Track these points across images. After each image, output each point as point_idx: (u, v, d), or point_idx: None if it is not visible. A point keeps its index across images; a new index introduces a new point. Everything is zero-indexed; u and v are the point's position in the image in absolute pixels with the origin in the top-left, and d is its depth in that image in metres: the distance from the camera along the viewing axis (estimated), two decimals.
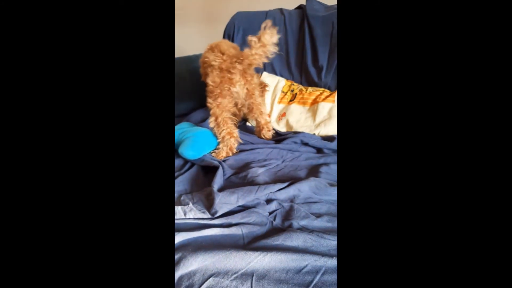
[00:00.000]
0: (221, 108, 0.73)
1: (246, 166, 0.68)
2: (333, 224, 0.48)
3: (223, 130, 0.73)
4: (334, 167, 0.65)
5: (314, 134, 0.90)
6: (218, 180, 0.58)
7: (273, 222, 0.49)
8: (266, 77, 1.10)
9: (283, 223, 0.49)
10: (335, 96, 0.94)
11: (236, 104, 0.81)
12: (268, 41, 0.67)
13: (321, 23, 1.04)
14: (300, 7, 1.16)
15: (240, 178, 0.62)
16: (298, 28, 1.10)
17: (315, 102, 0.95)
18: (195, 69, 1.17)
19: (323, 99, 0.94)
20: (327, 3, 1.15)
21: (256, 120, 0.85)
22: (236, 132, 0.76)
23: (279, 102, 1.02)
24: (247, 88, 0.77)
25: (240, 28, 1.18)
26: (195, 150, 0.71)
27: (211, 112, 0.75)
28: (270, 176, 0.63)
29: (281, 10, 1.18)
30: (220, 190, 0.56)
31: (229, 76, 0.72)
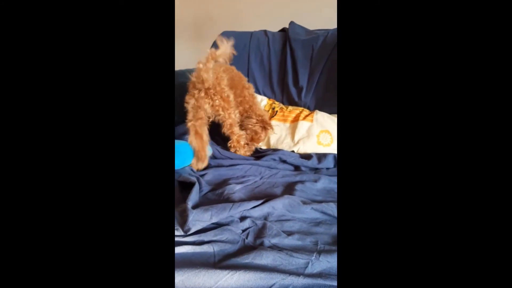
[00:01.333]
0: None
1: (224, 182, 0.69)
2: (303, 242, 0.49)
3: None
4: (309, 185, 0.67)
5: (293, 151, 0.93)
6: (193, 197, 0.58)
7: (245, 240, 0.50)
8: None
9: (255, 241, 0.50)
10: (313, 116, 0.97)
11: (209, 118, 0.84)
12: (218, 53, 0.73)
13: (302, 46, 1.10)
14: (283, 30, 1.23)
15: (216, 195, 0.63)
16: (280, 49, 1.16)
17: (295, 120, 0.99)
18: (179, 84, 1.19)
19: (303, 118, 0.98)
20: (308, 27, 1.22)
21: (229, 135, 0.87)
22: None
23: None
24: (212, 105, 0.80)
25: None
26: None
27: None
28: (247, 193, 0.64)
29: (265, 31, 1.23)
30: (195, 207, 0.56)
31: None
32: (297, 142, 0.93)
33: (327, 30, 1.11)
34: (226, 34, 1.28)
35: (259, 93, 1.18)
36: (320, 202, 0.60)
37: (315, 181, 0.69)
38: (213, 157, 0.83)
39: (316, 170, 0.80)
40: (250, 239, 0.50)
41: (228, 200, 0.59)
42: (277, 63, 1.15)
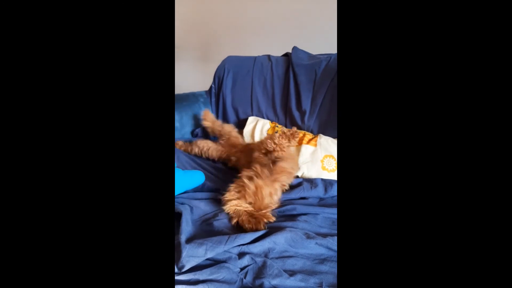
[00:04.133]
0: None
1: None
2: (306, 283, 0.45)
3: None
4: (313, 216, 0.63)
5: (297, 176, 0.89)
6: (184, 229, 0.54)
7: (244, 279, 0.46)
8: (252, 121, 1.12)
9: (254, 282, 0.46)
10: (317, 140, 0.95)
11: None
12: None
13: (305, 70, 1.10)
14: (286, 55, 1.24)
15: (208, 224, 0.59)
16: (283, 74, 1.16)
17: (299, 143, 0.97)
18: (181, 107, 1.19)
19: (307, 142, 0.96)
20: (311, 51, 1.23)
21: None
22: None
23: None
24: None
25: (230, 71, 1.24)
26: None
27: None
28: None
29: (268, 56, 1.25)
30: (190, 239, 0.52)
31: None
32: (301, 167, 0.90)
33: (329, 55, 1.12)
34: (230, 59, 1.31)
35: (263, 117, 1.17)
36: (325, 235, 0.56)
37: (320, 212, 0.65)
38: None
39: (321, 199, 0.76)
40: (248, 279, 0.46)
41: (221, 232, 0.56)
42: (280, 87, 1.15)
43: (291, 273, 0.47)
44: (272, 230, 0.56)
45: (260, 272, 0.47)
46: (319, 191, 0.75)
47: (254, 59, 1.25)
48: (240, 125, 1.16)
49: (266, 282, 0.45)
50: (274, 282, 0.45)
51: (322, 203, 0.73)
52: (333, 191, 0.76)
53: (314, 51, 1.23)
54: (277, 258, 0.50)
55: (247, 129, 1.11)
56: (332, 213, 0.66)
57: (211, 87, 1.27)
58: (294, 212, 0.65)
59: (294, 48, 1.22)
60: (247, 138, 1.09)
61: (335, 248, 0.53)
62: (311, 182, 0.80)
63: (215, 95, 1.24)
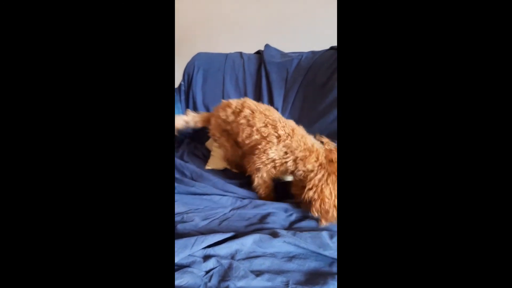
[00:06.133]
0: None
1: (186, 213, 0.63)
2: (272, 283, 0.44)
3: None
4: (282, 215, 0.63)
5: None
6: None
7: (208, 283, 0.44)
8: None
9: (219, 285, 0.44)
10: None
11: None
12: None
13: (277, 68, 1.10)
14: (258, 52, 1.23)
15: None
16: (256, 71, 1.15)
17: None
18: None
19: None
20: (283, 50, 1.24)
21: None
22: None
23: None
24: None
25: (200, 68, 1.20)
26: None
27: None
28: (213, 227, 0.58)
29: (240, 54, 1.23)
30: None
31: None
32: None
33: (301, 53, 1.13)
34: (201, 56, 1.27)
35: None
36: (295, 229, 0.56)
37: (288, 210, 0.65)
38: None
39: None
40: (213, 282, 0.45)
41: (189, 234, 0.53)
42: (252, 85, 1.14)
43: (258, 273, 0.46)
44: (240, 234, 0.55)
45: (225, 274, 0.45)
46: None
47: (226, 56, 1.22)
48: None
49: (231, 284, 0.43)
50: (240, 283, 0.44)
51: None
52: None
53: (286, 50, 1.24)
54: (244, 259, 0.49)
55: None
56: (300, 210, 0.66)
57: (180, 84, 1.23)
58: (262, 212, 0.64)
59: (266, 46, 1.21)
60: None
61: (303, 245, 0.52)
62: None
63: (185, 92, 1.20)
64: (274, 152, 0.67)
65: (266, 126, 0.70)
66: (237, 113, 0.77)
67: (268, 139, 0.68)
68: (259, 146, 0.69)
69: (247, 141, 0.73)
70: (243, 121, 0.74)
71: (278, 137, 0.67)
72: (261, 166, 0.69)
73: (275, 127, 0.69)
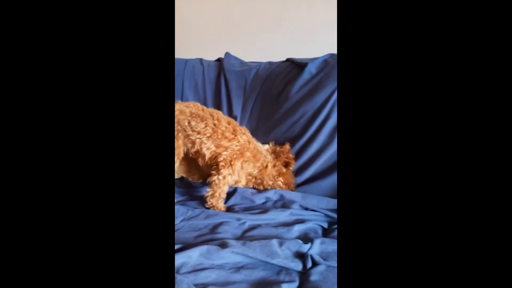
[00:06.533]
0: None
1: None
2: None
3: None
4: (234, 224, 0.64)
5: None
6: None
7: None
8: None
9: None
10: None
11: None
12: None
13: (236, 77, 1.11)
14: (219, 60, 1.23)
15: None
16: (215, 79, 1.15)
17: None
18: None
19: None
20: (244, 59, 1.25)
21: None
22: None
23: None
24: None
25: None
26: None
27: None
28: None
29: (201, 60, 1.23)
30: None
31: None
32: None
33: (259, 63, 1.16)
34: None
35: None
36: (246, 238, 0.57)
37: (240, 218, 0.66)
38: None
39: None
40: None
41: None
42: (212, 92, 1.14)
43: (203, 286, 0.45)
44: (188, 246, 0.54)
45: None
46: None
47: (186, 61, 1.20)
48: None
49: None
50: None
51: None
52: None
53: (246, 59, 1.26)
54: (189, 272, 0.48)
55: None
56: (253, 219, 0.67)
57: None
58: (214, 222, 0.64)
59: (227, 54, 1.22)
60: None
61: (251, 254, 0.53)
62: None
63: None
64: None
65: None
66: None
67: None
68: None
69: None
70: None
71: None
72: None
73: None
